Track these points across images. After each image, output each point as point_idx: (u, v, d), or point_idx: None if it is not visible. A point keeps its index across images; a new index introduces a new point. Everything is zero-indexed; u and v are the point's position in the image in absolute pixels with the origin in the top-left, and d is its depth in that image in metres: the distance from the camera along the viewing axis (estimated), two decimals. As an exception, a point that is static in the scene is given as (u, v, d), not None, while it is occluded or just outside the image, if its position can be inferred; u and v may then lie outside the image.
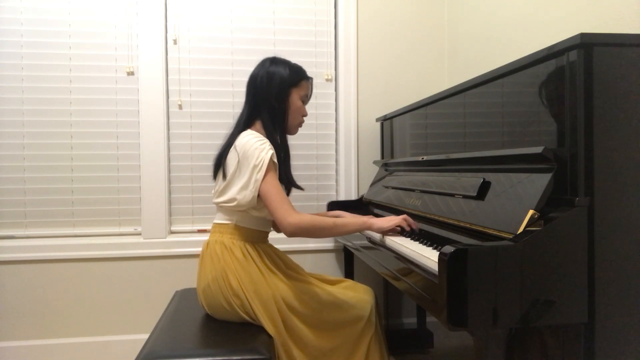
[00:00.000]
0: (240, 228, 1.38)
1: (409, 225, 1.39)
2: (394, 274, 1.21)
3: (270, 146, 1.33)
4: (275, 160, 1.33)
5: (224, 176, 1.37)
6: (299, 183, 1.48)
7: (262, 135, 1.36)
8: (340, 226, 1.35)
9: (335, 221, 1.34)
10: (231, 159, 1.35)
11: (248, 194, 1.30)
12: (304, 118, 1.51)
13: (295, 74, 1.44)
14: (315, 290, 1.38)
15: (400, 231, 1.40)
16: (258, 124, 1.43)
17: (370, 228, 1.40)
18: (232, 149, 1.36)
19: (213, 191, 1.44)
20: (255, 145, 1.30)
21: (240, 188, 1.31)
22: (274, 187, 1.30)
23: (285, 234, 1.29)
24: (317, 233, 1.32)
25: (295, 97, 1.45)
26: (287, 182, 1.43)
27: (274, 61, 1.45)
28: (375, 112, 2.30)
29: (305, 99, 1.49)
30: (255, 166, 1.29)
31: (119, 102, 2.14)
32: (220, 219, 1.41)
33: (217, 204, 1.41)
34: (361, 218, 1.41)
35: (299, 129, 1.52)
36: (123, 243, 2.10)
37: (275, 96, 1.41)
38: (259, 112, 1.42)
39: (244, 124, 1.43)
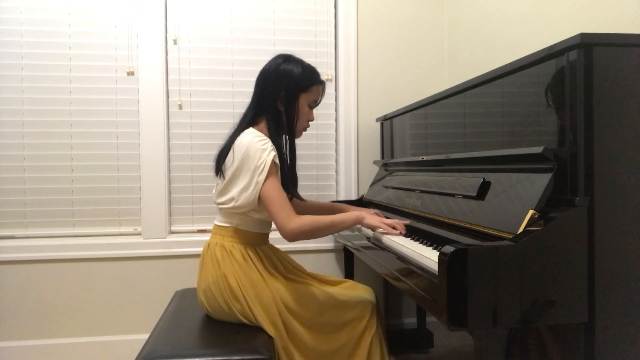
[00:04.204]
0: (240, 231, 1.37)
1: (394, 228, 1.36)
2: (394, 274, 1.21)
3: (273, 147, 1.30)
4: (277, 161, 1.31)
5: (223, 176, 1.35)
6: (300, 191, 1.45)
7: (263, 135, 1.33)
8: (337, 223, 1.34)
9: (332, 219, 1.33)
10: (230, 159, 1.33)
11: (249, 196, 1.28)
12: (310, 123, 1.46)
13: (306, 78, 1.38)
14: (315, 292, 1.37)
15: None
16: (263, 124, 1.39)
17: (361, 223, 1.38)
18: (232, 147, 1.34)
19: (214, 190, 1.42)
20: (256, 146, 1.27)
21: (241, 189, 1.29)
22: (275, 190, 1.27)
23: (287, 239, 1.27)
24: (317, 234, 1.31)
25: (303, 102, 1.40)
26: (289, 191, 1.38)
27: (287, 59, 1.39)
28: (375, 112, 2.30)
29: (314, 105, 1.44)
30: (257, 167, 1.26)
31: (119, 102, 2.14)
32: (221, 221, 1.40)
33: (217, 204, 1.39)
34: (354, 213, 1.39)
35: (303, 132, 1.48)
36: (123, 243, 2.10)
37: (282, 100, 1.37)
38: (265, 112, 1.39)
39: (248, 121, 1.39)
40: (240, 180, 1.30)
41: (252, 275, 1.32)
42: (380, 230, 1.36)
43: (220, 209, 1.39)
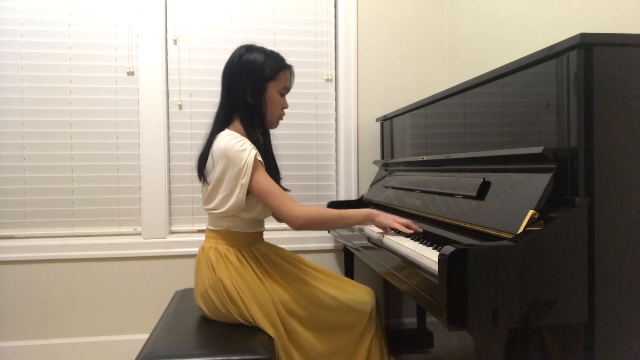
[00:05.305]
0: (233, 233, 1.35)
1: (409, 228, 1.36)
2: (394, 274, 1.21)
3: (252, 145, 1.28)
4: (260, 158, 1.29)
5: (207, 182, 1.33)
6: (284, 184, 1.43)
7: (239, 135, 1.30)
8: (346, 217, 1.33)
9: (341, 213, 1.32)
10: (210, 164, 1.31)
11: (236, 200, 1.27)
12: (285, 110, 1.43)
13: (271, 66, 1.35)
14: (314, 293, 1.36)
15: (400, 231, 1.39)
16: (237, 122, 1.37)
17: (372, 221, 1.37)
18: (210, 152, 1.31)
19: (201, 195, 1.39)
20: (235, 148, 1.25)
21: (227, 194, 1.28)
22: (269, 184, 1.26)
23: (293, 227, 1.26)
24: (324, 224, 1.30)
25: (272, 91, 1.36)
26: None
27: (250, 49, 1.36)
28: (375, 112, 2.30)
29: (285, 91, 1.41)
30: (239, 170, 1.25)
31: (119, 102, 2.14)
32: (213, 225, 1.38)
33: (206, 210, 1.37)
34: (365, 210, 1.38)
35: (280, 122, 1.45)
36: (123, 243, 2.10)
37: (250, 92, 1.34)
38: (237, 109, 1.36)
39: (222, 122, 1.37)
40: (225, 185, 1.28)
41: (248, 277, 1.30)
42: (392, 230, 1.34)
43: (210, 213, 1.37)
